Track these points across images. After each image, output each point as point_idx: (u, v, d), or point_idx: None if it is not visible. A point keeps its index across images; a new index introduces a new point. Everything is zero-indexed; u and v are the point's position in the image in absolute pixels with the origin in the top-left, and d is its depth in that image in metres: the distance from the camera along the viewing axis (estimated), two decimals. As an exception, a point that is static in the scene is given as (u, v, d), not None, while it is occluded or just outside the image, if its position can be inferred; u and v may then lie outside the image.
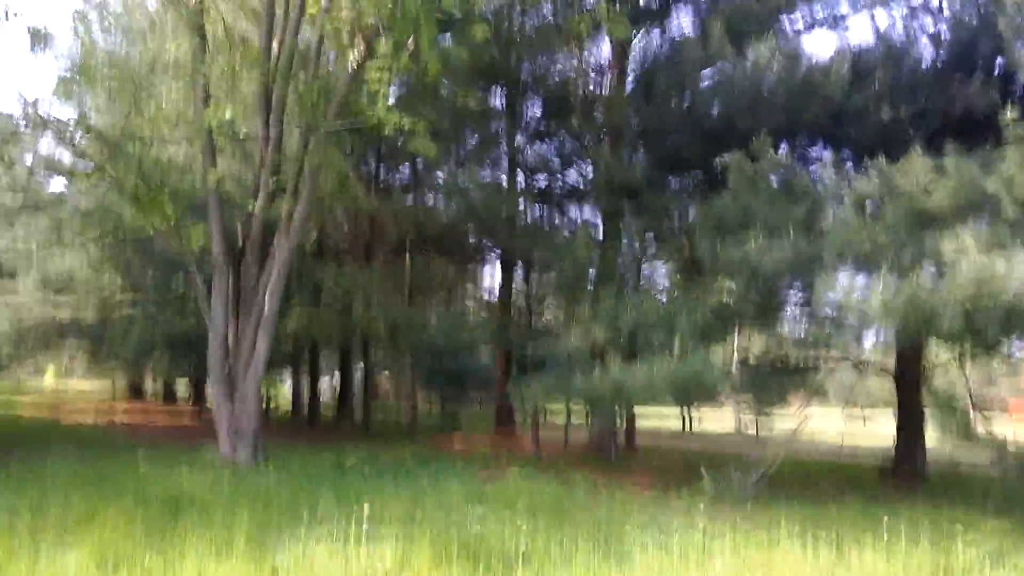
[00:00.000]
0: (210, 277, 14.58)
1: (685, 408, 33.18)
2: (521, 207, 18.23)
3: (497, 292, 22.60)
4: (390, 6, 10.86)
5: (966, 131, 12.21)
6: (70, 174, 25.36)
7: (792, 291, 11.44)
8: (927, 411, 14.38)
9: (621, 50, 16.95)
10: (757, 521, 9.74)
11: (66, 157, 23.86)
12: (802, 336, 12.10)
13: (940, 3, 14.45)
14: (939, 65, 13.78)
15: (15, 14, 11.90)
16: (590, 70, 17.43)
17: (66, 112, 14.05)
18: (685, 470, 15.93)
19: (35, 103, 12.63)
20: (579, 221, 18.89)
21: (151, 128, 13.78)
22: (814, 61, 13.71)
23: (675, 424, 35.99)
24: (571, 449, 20.13)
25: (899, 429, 15.88)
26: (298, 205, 13.48)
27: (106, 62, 13.42)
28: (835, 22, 16.20)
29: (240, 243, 14.37)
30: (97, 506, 8.80)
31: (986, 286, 8.73)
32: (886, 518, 9.72)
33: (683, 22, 16.57)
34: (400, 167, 25.23)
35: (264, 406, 19.53)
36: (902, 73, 13.66)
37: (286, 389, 40.58)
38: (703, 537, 8.67)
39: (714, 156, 13.00)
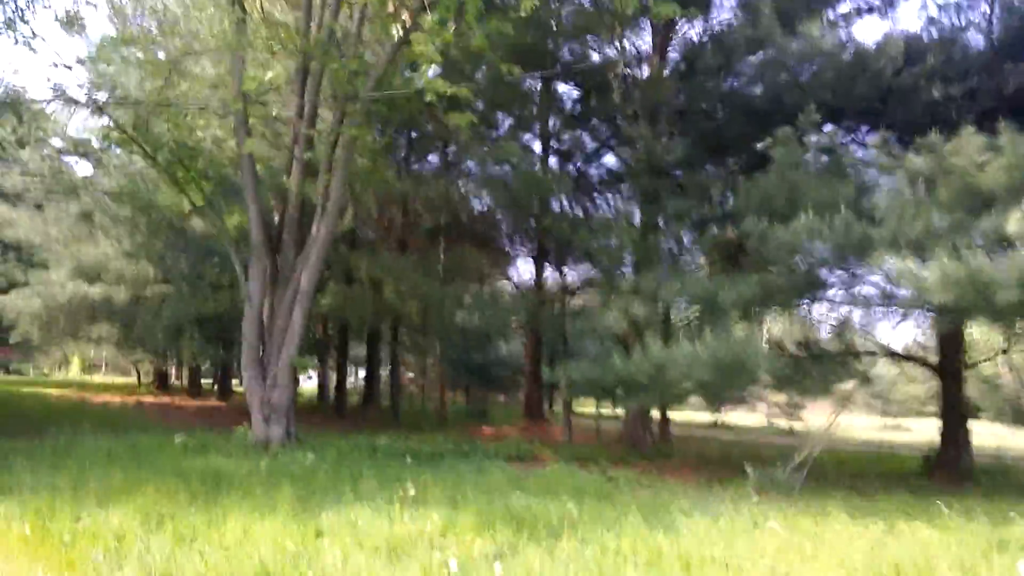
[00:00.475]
0: (246, 259, 14.56)
1: (717, 401, 32.77)
2: (555, 191, 17.95)
3: (531, 278, 22.47)
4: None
5: (1019, 111, 11.89)
6: (101, 152, 25.64)
7: (841, 272, 11.09)
8: (972, 400, 14.02)
9: (663, 32, 16.72)
10: (805, 506, 9.46)
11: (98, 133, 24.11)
12: (850, 319, 11.77)
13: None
14: (992, 45, 13.41)
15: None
16: (631, 53, 17.14)
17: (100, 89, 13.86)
18: (725, 462, 15.66)
19: (71, 70, 12.57)
20: (615, 204, 18.61)
21: (185, 101, 13.70)
22: (863, 44, 13.45)
23: (704, 419, 35.63)
24: (603, 440, 19.91)
25: (943, 421, 15.49)
26: (334, 180, 13.36)
27: (142, 34, 13.38)
28: (884, 9, 15.91)
29: (276, 223, 14.29)
30: (136, 478, 8.74)
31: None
32: (938, 501, 9.53)
33: (727, 3, 16.35)
34: (429, 155, 25.13)
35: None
36: (953, 54, 13.35)
37: (311, 380, 40.74)
38: (751, 511, 8.46)
39: (757, 137, 12.77)
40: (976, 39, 14.01)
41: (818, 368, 11.85)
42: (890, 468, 16.65)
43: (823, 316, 13.24)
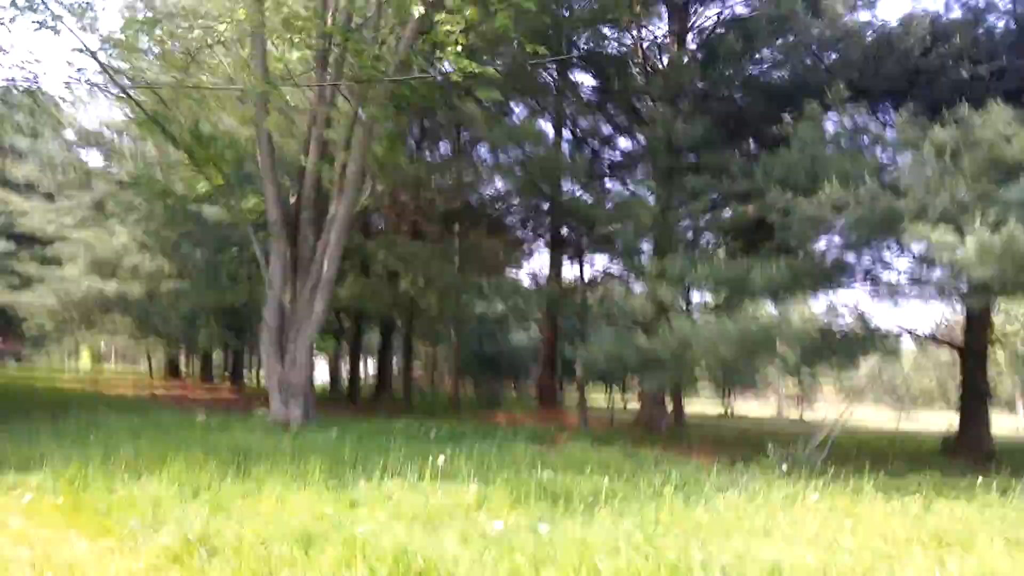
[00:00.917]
0: (265, 242, 14.53)
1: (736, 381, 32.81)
2: (571, 174, 17.84)
3: (546, 266, 22.40)
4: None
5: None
6: (115, 141, 25.62)
7: (869, 246, 10.99)
8: (993, 381, 13.94)
9: (681, 14, 16.61)
10: (835, 484, 9.36)
11: (117, 115, 24.10)
12: (878, 294, 11.64)
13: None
14: (1019, 24, 13.29)
15: None
16: (648, 38, 17.04)
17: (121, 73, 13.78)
18: (741, 444, 15.58)
19: (93, 55, 12.52)
20: (631, 187, 18.49)
21: (206, 86, 13.64)
22: (888, 24, 13.35)
23: (714, 409, 35.63)
24: (618, 426, 19.84)
25: (963, 402, 15.41)
26: (351, 160, 13.30)
27: (164, 18, 13.33)
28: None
29: (293, 205, 14.23)
30: (164, 451, 8.69)
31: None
32: (969, 478, 9.45)
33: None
34: (441, 142, 25.00)
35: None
36: (980, 33, 13.22)
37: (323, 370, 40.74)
38: (786, 487, 8.39)
39: (777, 118, 12.69)
40: (999, 19, 13.91)
41: (843, 345, 11.72)
42: (909, 449, 16.56)
43: (848, 297, 13.13)
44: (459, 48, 10.49)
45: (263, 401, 18.48)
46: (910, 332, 13.05)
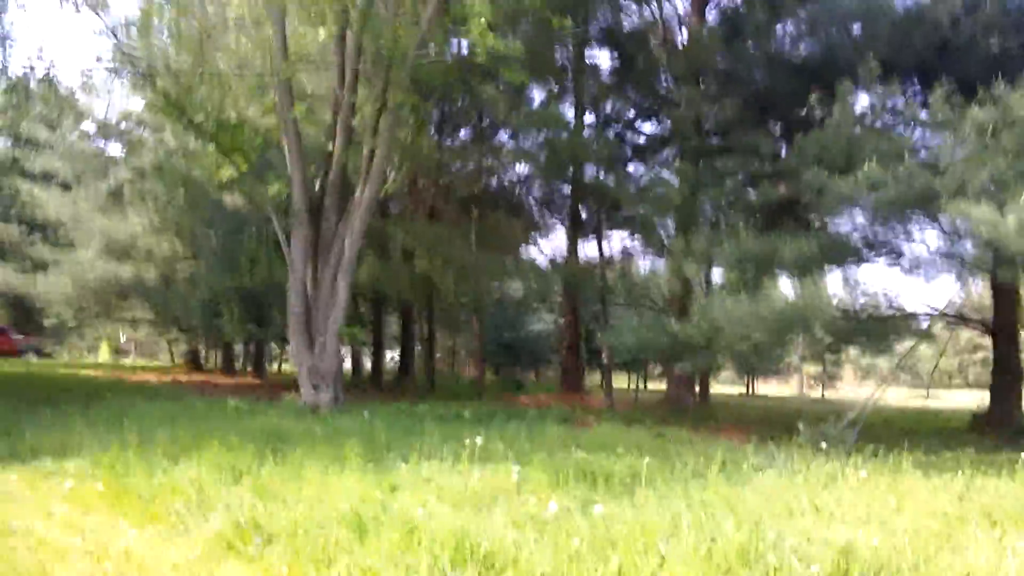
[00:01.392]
0: (287, 227, 14.52)
1: (752, 370, 32.80)
2: (596, 157, 17.70)
3: (564, 248, 22.27)
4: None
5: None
6: (132, 131, 25.64)
7: (902, 223, 10.83)
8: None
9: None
10: (871, 461, 9.26)
11: (135, 105, 24.07)
12: (909, 270, 11.48)
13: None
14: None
15: None
16: (667, 17, 16.80)
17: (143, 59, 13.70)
18: (769, 423, 15.52)
19: (117, 42, 12.49)
20: (654, 170, 18.32)
21: (228, 72, 13.56)
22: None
23: (733, 389, 35.60)
24: (643, 406, 19.83)
25: (994, 379, 15.28)
26: (378, 145, 13.23)
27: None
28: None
29: (318, 191, 14.18)
30: (201, 436, 8.70)
31: None
32: (1006, 454, 9.33)
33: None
34: (462, 128, 24.85)
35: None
36: (1012, 6, 12.94)
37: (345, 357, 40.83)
38: (824, 465, 8.31)
39: (804, 96, 12.51)
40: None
41: (876, 327, 11.61)
42: (937, 427, 16.43)
43: (878, 277, 12.97)
44: (483, 22, 10.35)
45: (288, 389, 18.59)
46: (942, 313, 12.87)
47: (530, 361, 38.66)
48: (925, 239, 11.21)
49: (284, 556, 4.85)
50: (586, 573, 4.46)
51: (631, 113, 18.90)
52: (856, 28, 12.75)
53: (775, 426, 14.88)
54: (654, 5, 16.95)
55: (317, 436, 9.42)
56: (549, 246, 24.75)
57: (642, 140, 18.78)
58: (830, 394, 35.30)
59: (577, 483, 7.22)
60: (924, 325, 12.62)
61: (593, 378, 32.05)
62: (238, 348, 36.99)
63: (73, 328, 40.71)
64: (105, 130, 32.19)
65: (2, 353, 33.74)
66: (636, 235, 18.15)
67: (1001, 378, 15.06)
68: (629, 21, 18.13)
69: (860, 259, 11.59)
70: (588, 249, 22.25)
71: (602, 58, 19.90)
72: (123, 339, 49.68)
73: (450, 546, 4.52)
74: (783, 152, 12.69)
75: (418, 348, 27.82)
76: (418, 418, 13.01)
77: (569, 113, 21.19)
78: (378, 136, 13.43)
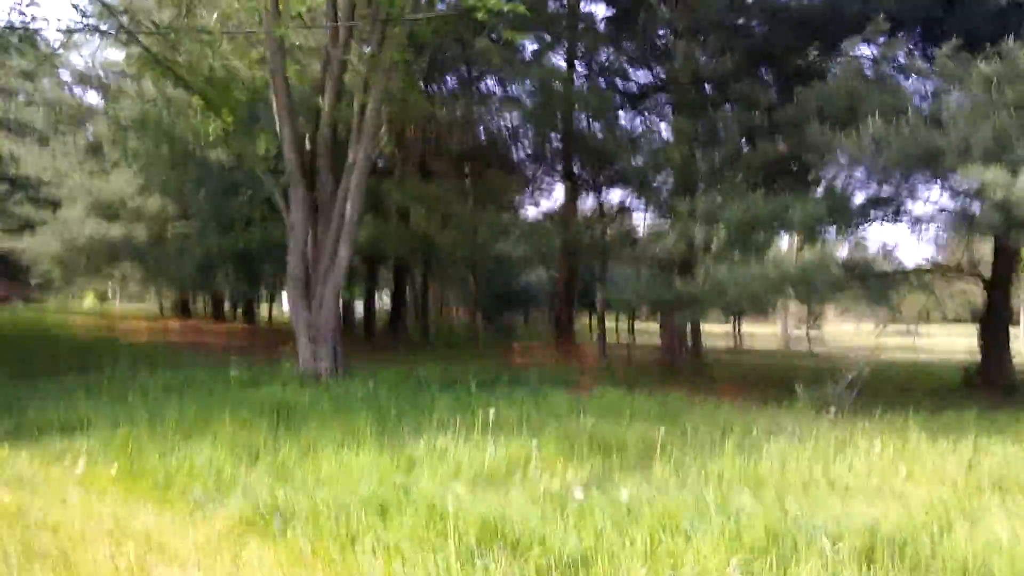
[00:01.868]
0: (282, 188, 14.30)
1: (738, 320, 32.95)
2: (590, 109, 17.40)
3: (559, 203, 22.13)
4: None
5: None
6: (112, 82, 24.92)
7: (907, 181, 10.76)
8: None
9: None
10: (876, 426, 9.36)
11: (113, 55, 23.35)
12: (914, 229, 11.46)
13: None
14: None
15: None
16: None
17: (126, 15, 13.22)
18: (766, 382, 15.65)
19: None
20: (650, 123, 18.07)
21: (216, 26, 13.13)
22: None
23: (719, 331, 35.84)
24: (637, 363, 19.99)
25: (985, 333, 15.37)
26: (370, 103, 12.93)
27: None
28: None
29: (309, 150, 13.87)
30: (210, 413, 8.64)
31: None
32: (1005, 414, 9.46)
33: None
34: (447, 77, 24.32)
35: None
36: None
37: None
38: (831, 431, 8.41)
39: (805, 49, 12.29)
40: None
41: (876, 282, 11.62)
42: (931, 382, 16.64)
43: (880, 233, 12.97)
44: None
45: (283, 343, 18.45)
46: (941, 267, 12.90)
47: (523, 305, 38.85)
48: (930, 197, 11.18)
49: (306, 535, 4.85)
50: (614, 553, 4.48)
51: (625, 62, 18.45)
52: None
53: (772, 385, 15.02)
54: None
55: (325, 408, 9.38)
56: (545, 202, 24.63)
57: (635, 89, 18.33)
58: (816, 334, 35.63)
59: (592, 455, 7.27)
60: (927, 280, 12.66)
61: (583, 320, 32.28)
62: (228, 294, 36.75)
63: (61, 283, 40.25)
64: (81, 79, 31.38)
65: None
66: (632, 190, 17.95)
67: (993, 331, 15.18)
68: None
69: (866, 218, 11.54)
70: (585, 203, 22.15)
71: (596, 7, 19.31)
72: (110, 290, 49.30)
73: (475, 524, 4.55)
74: (782, 108, 12.42)
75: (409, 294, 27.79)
76: (421, 384, 13.01)
77: (561, 63, 20.90)
78: (370, 93, 13.10)
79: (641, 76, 18.12)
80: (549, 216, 20.70)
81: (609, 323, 32.02)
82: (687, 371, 17.14)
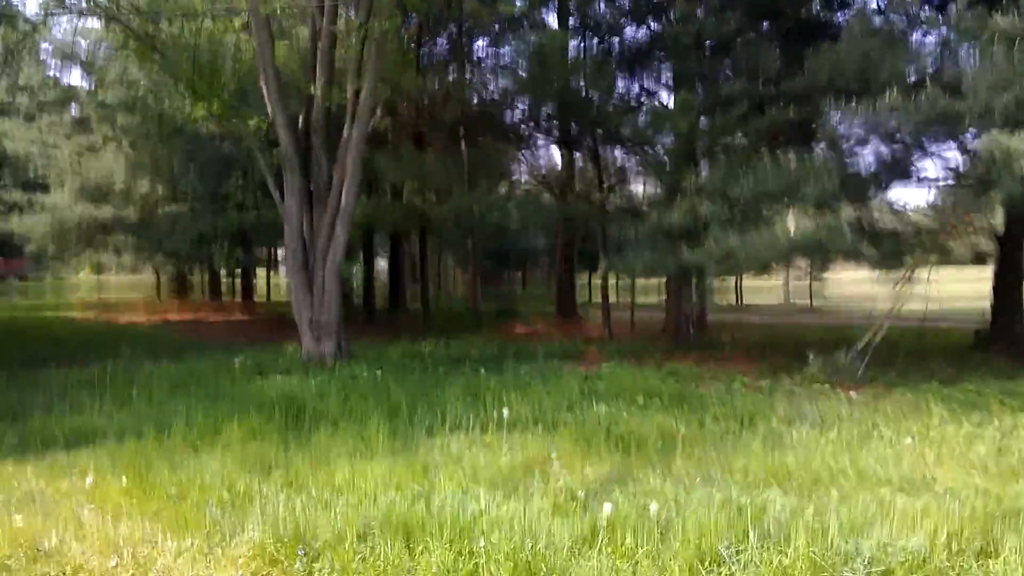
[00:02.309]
0: (274, 169, 13.96)
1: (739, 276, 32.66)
2: (582, 72, 16.91)
3: (558, 171, 21.71)
4: None
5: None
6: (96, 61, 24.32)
7: (923, 149, 10.45)
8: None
9: None
10: (896, 403, 9.20)
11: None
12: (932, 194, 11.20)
13: None
14: None
15: None
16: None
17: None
18: (773, 348, 15.49)
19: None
20: (651, 87, 17.49)
21: (202, 7, 12.65)
22: None
23: (719, 293, 35.60)
24: (640, 330, 19.85)
25: (996, 296, 15.15)
26: (364, 79, 12.54)
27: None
28: None
29: (303, 129, 13.49)
30: (217, 416, 8.46)
31: None
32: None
33: None
34: (434, 42, 23.67)
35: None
36: None
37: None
38: (850, 413, 8.28)
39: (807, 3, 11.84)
40: None
41: (890, 245, 11.36)
42: (940, 344, 16.45)
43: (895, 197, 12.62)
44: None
45: (280, 325, 18.22)
46: (951, 224, 12.62)
47: (520, 264, 38.68)
48: (948, 163, 10.89)
49: (333, 573, 4.68)
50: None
51: (619, 18, 17.81)
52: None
53: (780, 351, 14.87)
54: None
55: (333, 404, 9.18)
56: (542, 168, 24.26)
57: (631, 48, 17.73)
58: (816, 285, 35.41)
59: (610, 451, 7.11)
60: (942, 244, 12.40)
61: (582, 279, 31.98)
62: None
63: (55, 258, 39.90)
64: (62, 55, 30.64)
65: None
66: (632, 155, 17.58)
67: (1004, 290, 14.95)
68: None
69: (879, 187, 11.26)
70: (582, 169, 21.75)
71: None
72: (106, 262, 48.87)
73: (505, 552, 4.38)
74: (788, 73, 12.02)
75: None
76: (427, 365, 12.84)
77: (553, 22, 20.32)
78: (363, 66, 12.70)
79: (638, 34, 17.50)
80: (545, 182, 20.26)
81: (610, 280, 31.93)
82: (693, 340, 16.96)
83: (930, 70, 10.01)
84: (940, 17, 10.79)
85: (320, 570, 4.69)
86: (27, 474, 6.93)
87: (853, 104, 9.69)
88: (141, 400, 9.74)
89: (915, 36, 11.61)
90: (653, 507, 4.95)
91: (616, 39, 17.55)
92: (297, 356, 13.15)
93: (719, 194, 11.05)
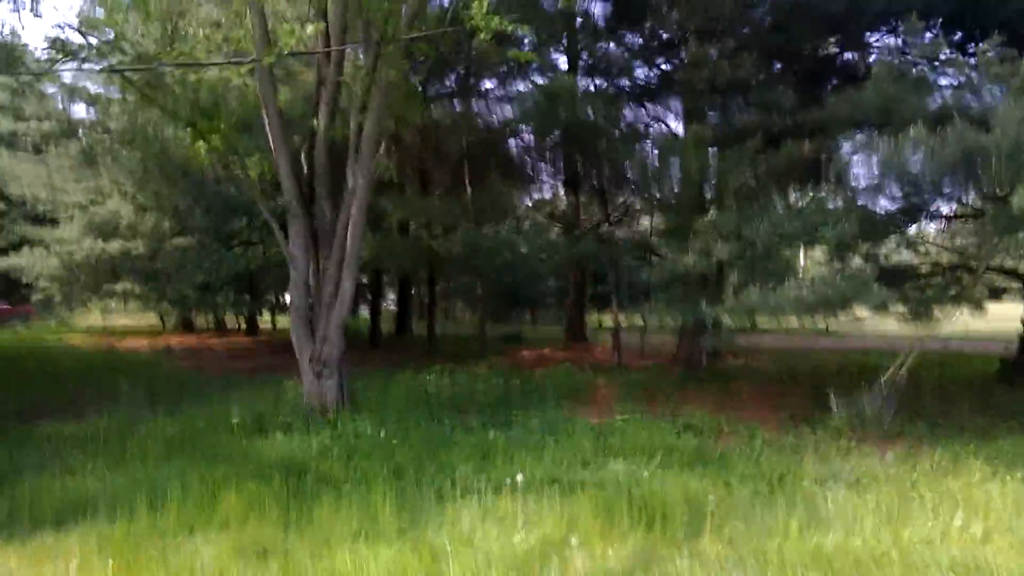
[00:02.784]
0: (275, 209, 13.64)
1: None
2: (591, 107, 16.62)
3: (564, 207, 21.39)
4: None
5: None
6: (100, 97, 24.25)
7: (947, 188, 10.03)
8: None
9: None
10: (930, 458, 8.73)
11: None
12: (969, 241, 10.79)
13: None
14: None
15: None
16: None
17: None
18: (795, 386, 15.03)
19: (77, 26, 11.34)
20: (658, 121, 17.23)
21: (200, 51, 12.38)
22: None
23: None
24: (650, 354, 19.46)
25: (1024, 328, 14.72)
26: (367, 124, 12.22)
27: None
28: None
29: (307, 175, 13.18)
30: (210, 480, 8.02)
31: None
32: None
33: None
34: (443, 79, 23.48)
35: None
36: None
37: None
38: (886, 473, 7.82)
39: (822, 44, 11.52)
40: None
41: (915, 293, 10.97)
42: (965, 375, 15.96)
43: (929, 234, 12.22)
44: (485, 4, 9.38)
45: (282, 352, 17.68)
46: (985, 269, 12.14)
47: (529, 302, 38.24)
48: (971, 203, 10.48)
49: None
50: None
51: (628, 57, 17.58)
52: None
53: (799, 391, 14.39)
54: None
55: (336, 468, 8.73)
56: (550, 207, 23.96)
57: (641, 85, 17.47)
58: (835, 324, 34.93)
59: (633, 526, 6.63)
60: (978, 291, 11.99)
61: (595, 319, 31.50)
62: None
63: (61, 301, 39.75)
64: (69, 92, 30.64)
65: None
66: (641, 195, 17.21)
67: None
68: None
69: (898, 229, 10.86)
70: (593, 211, 21.44)
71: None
72: (112, 307, 48.59)
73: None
74: (804, 111, 11.68)
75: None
76: (432, 412, 12.41)
77: (562, 63, 20.14)
78: (367, 114, 12.38)
79: (646, 73, 17.27)
80: (553, 218, 19.90)
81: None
82: (705, 374, 16.52)
83: (953, 107, 9.56)
84: (963, 58, 10.44)
85: None
86: (11, 560, 6.50)
87: (874, 139, 9.31)
88: (135, 461, 9.32)
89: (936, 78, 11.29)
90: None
91: (626, 80, 17.35)
92: (298, 402, 12.76)
93: (734, 235, 10.63)
